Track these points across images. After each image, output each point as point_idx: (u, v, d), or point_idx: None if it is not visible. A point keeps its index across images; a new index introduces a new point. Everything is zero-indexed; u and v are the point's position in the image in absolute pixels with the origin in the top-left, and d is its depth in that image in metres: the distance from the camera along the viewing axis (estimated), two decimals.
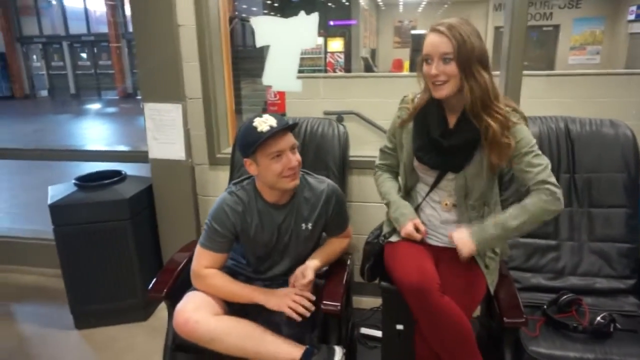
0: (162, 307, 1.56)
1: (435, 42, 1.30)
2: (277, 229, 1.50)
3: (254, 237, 1.49)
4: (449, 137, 1.38)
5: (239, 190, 1.50)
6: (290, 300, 1.39)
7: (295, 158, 1.40)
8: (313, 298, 1.43)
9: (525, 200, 1.34)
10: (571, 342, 1.40)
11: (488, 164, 1.37)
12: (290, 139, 1.39)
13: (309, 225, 1.52)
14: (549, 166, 1.34)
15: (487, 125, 1.31)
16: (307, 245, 1.56)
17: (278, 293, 1.42)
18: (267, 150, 1.36)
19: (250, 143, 1.35)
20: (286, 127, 1.37)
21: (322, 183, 1.55)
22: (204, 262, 1.47)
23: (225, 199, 1.48)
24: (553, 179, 1.32)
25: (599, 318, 1.43)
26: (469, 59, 1.28)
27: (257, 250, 1.54)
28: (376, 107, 4.08)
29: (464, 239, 1.35)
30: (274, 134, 1.34)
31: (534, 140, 1.35)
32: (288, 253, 1.55)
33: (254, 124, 1.36)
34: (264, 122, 1.35)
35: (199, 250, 1.49)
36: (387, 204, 1.55)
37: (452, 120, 1.41)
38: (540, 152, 1.34)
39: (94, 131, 9.52)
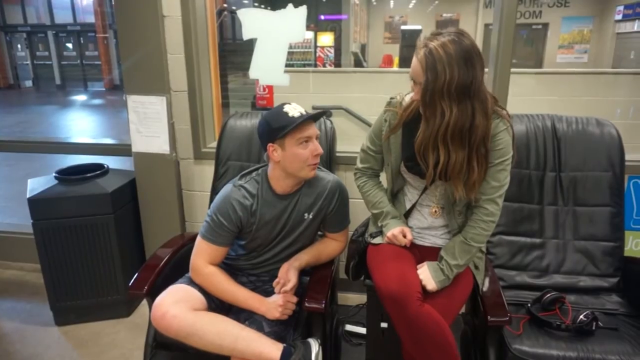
0: (146, 303, 1.52)
1: (414, 67, 1.26)
2: (281, 221, 1.50)
3: (257, 229, 1.48)
4: None
5: (247, 182, 1.48)
6: (278, 312, 1.40)
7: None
8: (296, 300, 1.45)
9: (467, 233, 1.38)
10: (554, 340, 1.41)
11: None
12: (315, 128, 1.43)
13: (310, 215, 1.51)
14: (507, 186, 1.35)
15: (440, 156, 1.27)
16: (304, 235, 1.55)
17: (269, 303, 1.43)
18: (297, 135, 1.38)
19: (282, 127, 1.37)
20: (316, 115, 1.41)
21: (329, 175, 1.56)
22: (206, 256, 1.45)
23: (233, 193, 1.46)
24: (502, 200, 1.36)
25: (581, 316, 1.44)
26: (432, 95, 1.22)
27: (255, 240, 1.52)
28: (365, 102, 4.07)
29: (427, 278, 1.35)
30: (305, 120, 1.37)
31: (511, 153, 1.33)
32: (284, 242, 1.54)
33: (285, 109, 1.39)
34: (294, 109, 1.39)
35: (200, 243, 1.46)
36: (379, 214, 1.51)
37: None
38: (509, 166, 1.34)
39: (79, 123, 9.34)
